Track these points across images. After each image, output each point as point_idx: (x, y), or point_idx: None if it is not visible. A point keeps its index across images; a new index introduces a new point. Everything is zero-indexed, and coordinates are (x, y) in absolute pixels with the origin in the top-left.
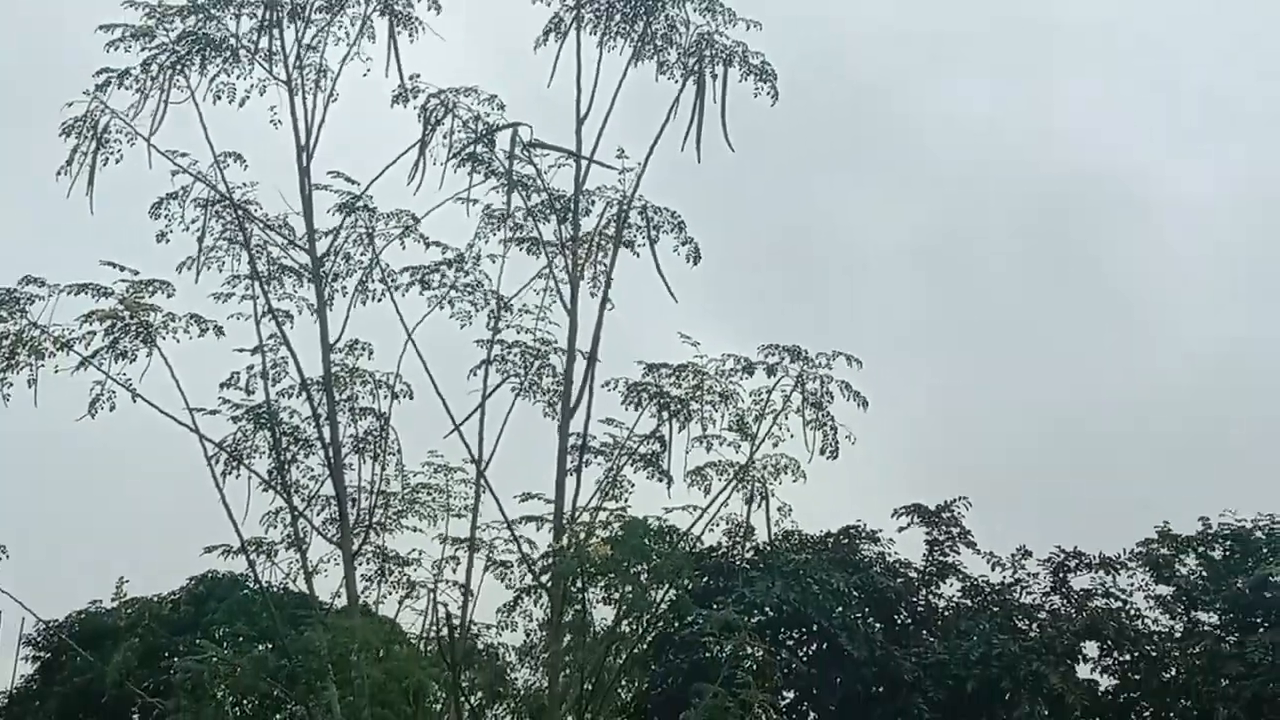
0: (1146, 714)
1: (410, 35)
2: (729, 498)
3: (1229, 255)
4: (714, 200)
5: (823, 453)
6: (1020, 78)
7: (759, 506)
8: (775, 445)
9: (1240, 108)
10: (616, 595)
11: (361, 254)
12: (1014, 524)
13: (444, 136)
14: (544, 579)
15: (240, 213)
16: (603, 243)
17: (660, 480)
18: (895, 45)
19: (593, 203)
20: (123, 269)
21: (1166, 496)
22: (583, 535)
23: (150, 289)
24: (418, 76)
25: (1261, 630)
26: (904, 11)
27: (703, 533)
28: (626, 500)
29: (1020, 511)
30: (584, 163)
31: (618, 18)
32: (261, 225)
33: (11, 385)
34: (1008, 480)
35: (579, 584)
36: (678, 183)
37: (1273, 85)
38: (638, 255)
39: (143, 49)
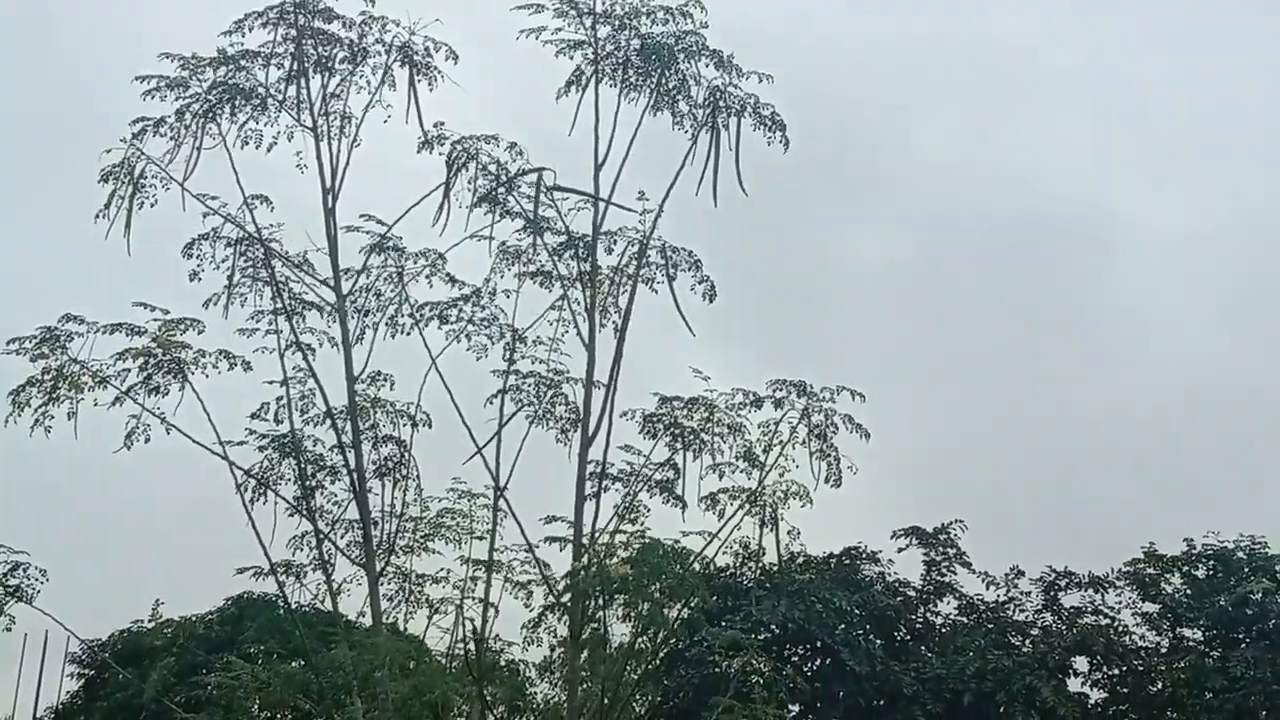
0: None
1: (430, 84)
2: (740, 521)
3: (1197, 283)
4: (708, 234)
5: (827, 481)
6: (997, 117)
7: (770, 530)
8: (782, 474)
9: (1209, 143)
10: (633, 613)
11: (392, 291)
12: (1003, 544)
13: (467, 182)
14: (564, 597)
15: (266, 251)
16: (622, 279)
17: (675, 505)
18: (880, 86)
19: (615, 242)
20: (154, 309)
21: (1145, 512)
22: (602, 556)
23: (181, 327)
24: (442, 124)
25: (1243, 646)
26: (886, 56)
27: (716, 554)
28: (643, 523)
29: (1007, 532)
30: (602, 205)
31: (634, 71)
32: (285, 262)
33: (53, 418)
34: (995, 501)
35: (598, 602)
36: (680, 217)
37: (1239, 121)
38: (655, 292)
39: (176, 98)
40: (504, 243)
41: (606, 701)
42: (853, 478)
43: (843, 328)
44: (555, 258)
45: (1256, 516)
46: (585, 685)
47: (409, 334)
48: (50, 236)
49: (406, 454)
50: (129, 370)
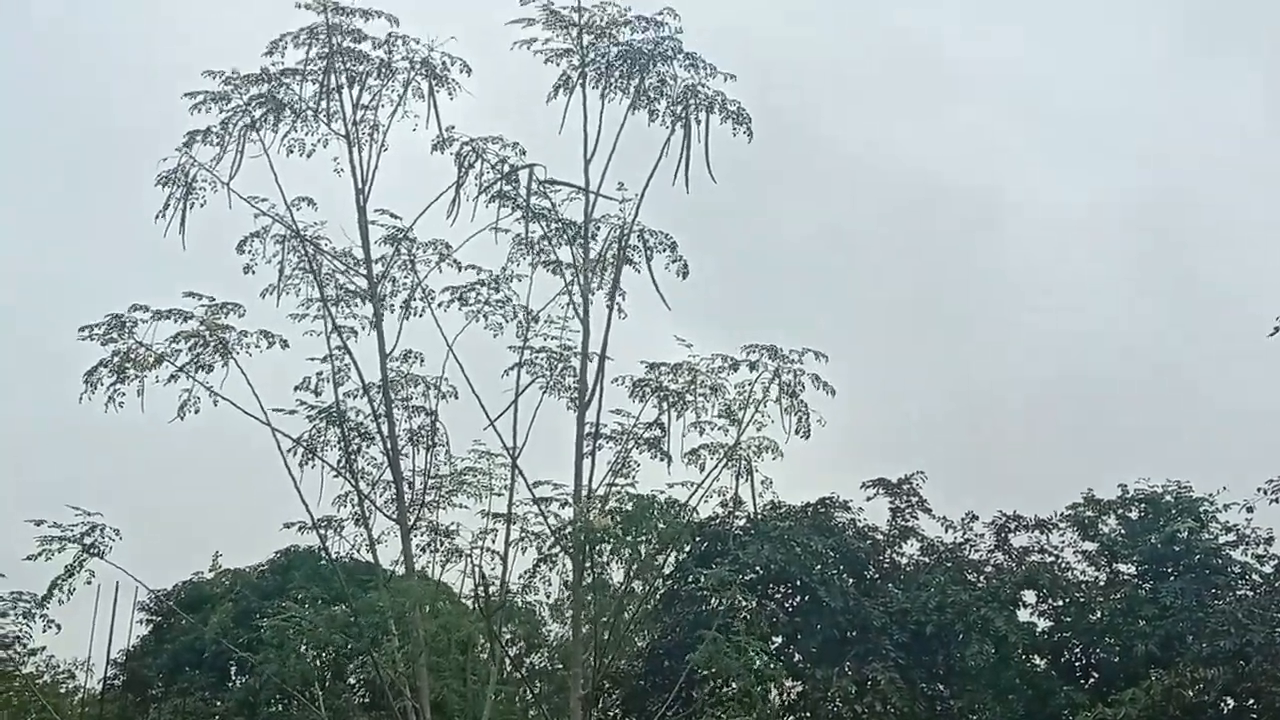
0: (1077, 650)
1: (450, 94)
2: (720, 474)
3: (1092, 254)
4: (684, 216)
5: (797, 433)
6: (912, 106)
7: (746, 481)
8: (759, 429)
9: (1104, 129)
10: (627, 558)
11: (405, 277)
12: (953, 490)
13: (476, 177)
14: (565, 546)
15: (312, 247)
16: (610, 261)
17: (662, 460)
18: (811, 77)
19: (598, 229)
20: (201, 297)
21: (1067, 459)
22: (598, 508)
23: (225, 310)
24: (453, 128)
25: (1172, 579)
26: (815, 49)
27: (699, 504)
28: (634, 478)
29: (949, 479)
30: (591, 196)
31: (616, 75)
32: (329, 256)
33: (124, 395)
34: (939, 451)
35: (593, 550)
36: (658, 202)
37: (1124, 109)
38: (638, 272)
39: (220, 111)
40: (518, 235)
41: (608, 637)
42: (820, 431)
43: (786, 296)
44: (552, 244)
45: (1169, 461)
46: (588, 624)
47: (421, 316)
48: (116, 238)
49: (435, 422)
50: (180, 350)
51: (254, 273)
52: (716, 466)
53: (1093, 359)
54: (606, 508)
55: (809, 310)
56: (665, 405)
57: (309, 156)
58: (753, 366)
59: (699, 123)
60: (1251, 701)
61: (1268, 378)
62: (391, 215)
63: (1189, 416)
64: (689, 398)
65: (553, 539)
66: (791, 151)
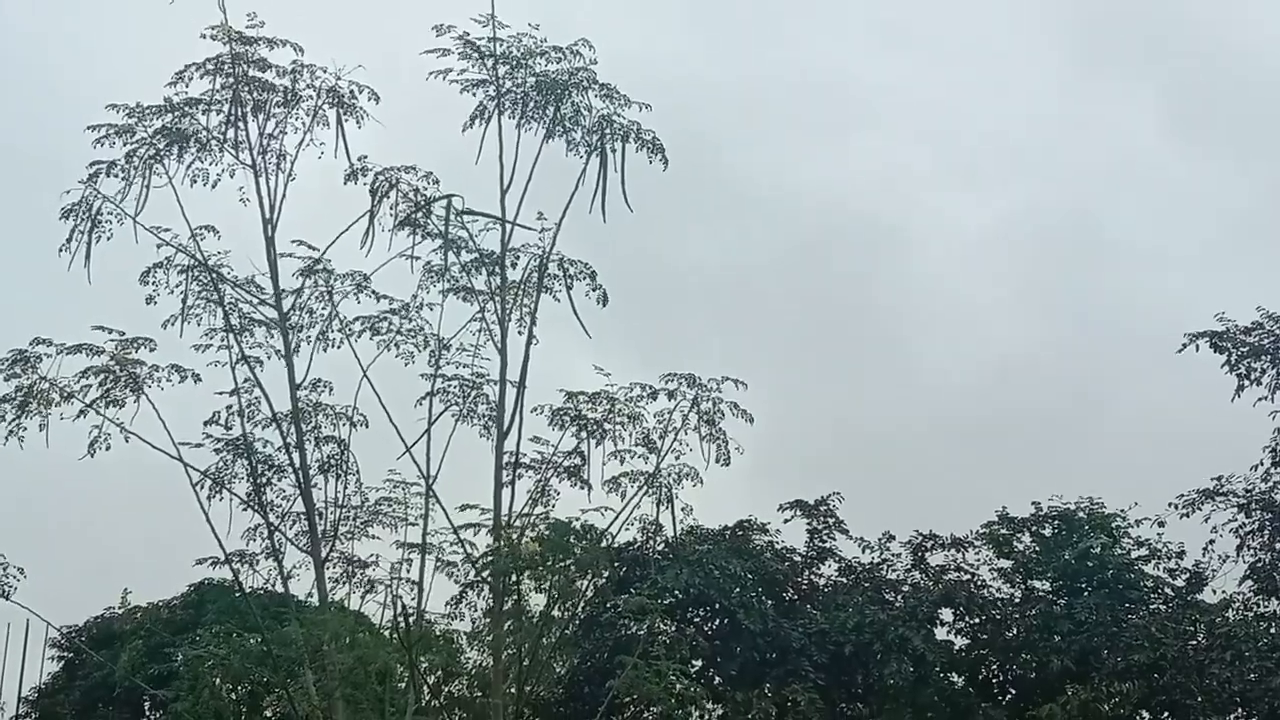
0: (994, 667)
1: (357, 122)
2: (640, 501)
3: (995, 276)
4: (597, 246)
5: (717, 461)
6: (815, 131)
7: (666, 508)
8: (677, 457)
9: (1011, 153)
10: (547, 585)
11: (322, 308)
12: (870, 512)
13: (390, 207)
14: (485, 574)
15: (215, 276)
16: (529, 289)
17: (582, 488)
18: (713, 104)
19: (518, 258)
20: (110, 331)
21: (981, 478)
22: (516, 536)
23: (136, 345)
24: (365, 157)
25: (1086, 594)
26: (719, 73)
27: (619, 531)
28: (553, 506)
29: (865, 501)
30: (508, 226)
31: (532, 105)
32: (233, 285)
33: (25, 429)
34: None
35: (514, 578)
36: (574, 231)
37: (1028, 132)
38: (557, 300)
39: (125, 144)
40: (428, 262)
41: (527, 664)
42: (738, 455)
43: (694, 325)
44: (469, 273)
45: (1079, 479)
46: (509, 651)
47: (339, 347)
48: (18, 271)
49: (346, 451)
50: (90, 385)
51: (156, 303)
52: (636, 494)
53: (1000, 381)
54: (532, 535)
55: (715, 338)
56: (584, 434)
57: (214, 187)
58: (671, 395)
59: (614, 151)
60: (1166, 715)
61: (1171, 394)
62: (309, 246)
63: (1096, 434)
64: (608, 426)
65: (474, 567)
66: (693, 180)
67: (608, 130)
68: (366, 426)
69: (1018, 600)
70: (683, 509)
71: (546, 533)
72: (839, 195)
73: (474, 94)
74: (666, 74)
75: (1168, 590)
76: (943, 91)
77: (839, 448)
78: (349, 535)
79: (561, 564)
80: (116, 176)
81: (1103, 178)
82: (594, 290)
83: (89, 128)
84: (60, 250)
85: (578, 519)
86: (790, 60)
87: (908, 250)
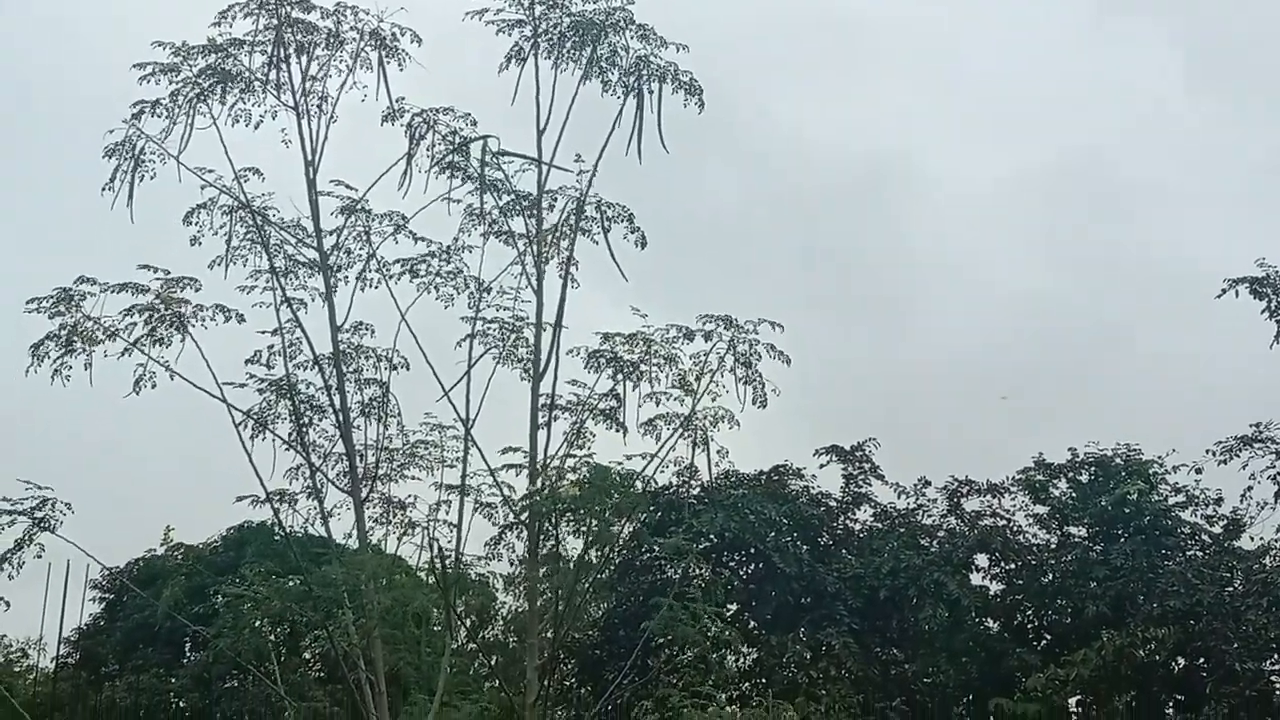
0: (1029, 612)
1: (399, 65)
2: (675, 444)
3: (1025, 224)
4: (632, 188)
5: (754, 403)
6: (832, 75)
7: (702, 451)
8: (714, 399)
9: (1029, 100)
10: (584, 529)
11: (360, 249)
12: (905, 458)
13: (427, 149)
14: (523, 517)
15: (260, 218)
16: (566, 232)
17: (618, 431)
18: (730, 45)
19: (556, 200)
20: (156, 270)
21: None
22: (554, 479)
23: (181, 285)
24: (404, 99)
25: (1122, 540)
26: (746, 31)
27: (654, 474)
28: (590, 449)
29: (907, 448)
30: (545, 167)
31: (569, 45)
32: (278, 228)
33: (70, 369)
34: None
35: (552, 520)
36: (609, 174)
37: (1044, 80)
38: (595, 243)
39: (169, 82)
40: (470, 206)
41: (563, 609)
42: (774, 399)
43: (724, 267)
44: (506, 215)
45: (1113, 425)
46: (544, 596)
47: (377, 287)
48: (61, 210)
49: (387, 393)
50: (135, 324)
51: (200, 244)
52: (672, 436)
53: (1028, 326)
54: (572, 478)
55: (727, 282)
56: (620, 376)
57: (257, 128)
58: (707, 337)
59: (651, 93)
60: (1201, 660)
61: (1196, 340)
62: (347, 186)
63: (1128, 380)
64: (644, 368)
65: (515, 508)
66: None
67: (644, 71)
68: (407, 369)
69: (1053, 546)
70: (718, 452)
71: (585, 475)
72: (855, 141)
73: (510, 34)
74: (684, 16)
75: (1204, 537)
76: (960, 37)
77: (859, 395)
78: (388, 477)
79: (600, 507)
80: (160, 116)
81: (1121, 126)
82: (632, 233)
83: (134, 65)
84: (103, 189)
85: (619, 464)
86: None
87: (923, 198)
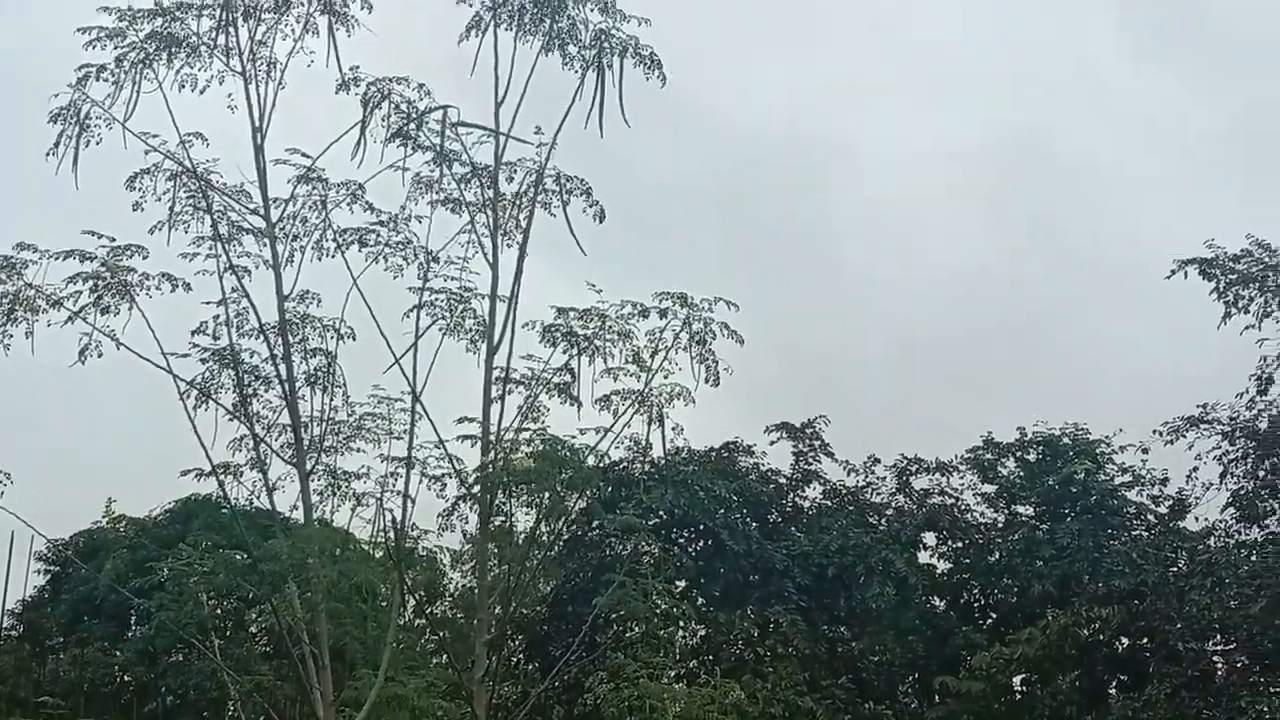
0: (976, 591)
1: (348, 31)
2: (630, 420)
3: (963, 194)
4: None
5: (706, 382)
6: (770, 43)
7: (656, 426)
8: (667, 377)
9: (970, 72)
10: (536, 503)
11: (316, 217)
12: (847, 437)
13: (382, 119)
14: (474, 490)
15: (204, 184)
16: (522, 203)
17: (572, 405)
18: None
19: (515, 172)
20: (101, 236)
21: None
22: (508, 452)
23: (128, 253)
24: (357, 67)
25: (1069, 519)
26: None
27: (608, 450)
28: (544, 423)
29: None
30: (503, 139)
31: (528, 17)
32: (221, 193)
33: (11, 337)
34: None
35: (504, 494)
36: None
37: (1003, 49)
38: (553, 215)
39: (115, 47)
40: (418, 174)
41: (513, 583)
42: (726, 377)
43: (672, 239)
44: (461, 186)
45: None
46: (494, 571)
47: (333, 256)
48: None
49: (333, 364)
50: (80, 293)
51: (143, 209)
52: (626, 412)
53: (969, 302)
54: (526, 450)
55: (682, 261)
56: (575, 351)
57: (202, 93)
58: (663, 313)
59: (611, 68)
60: (1145, 640)
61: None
62: (302, 154)
63: (1066, 359)
64: (598, 344)
65: (466, 481)
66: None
67: (605, 45)
68: (354, 339)
69: (1001, 525)
70: (673, 428)
71: (538, 449)
72: (794, 110)
73: (470, 4)
74: None
75: (1150, 517)
76: (902, 6)
77: (793, 371)
78: (334, 449)
79: (553, 481)
80: (106, 81)
81: (1062, 97)
82: (590, 206)
83: (79, 30)
84: (47, 155)
85: (572, 438)
86: None
87: (861, 167)
